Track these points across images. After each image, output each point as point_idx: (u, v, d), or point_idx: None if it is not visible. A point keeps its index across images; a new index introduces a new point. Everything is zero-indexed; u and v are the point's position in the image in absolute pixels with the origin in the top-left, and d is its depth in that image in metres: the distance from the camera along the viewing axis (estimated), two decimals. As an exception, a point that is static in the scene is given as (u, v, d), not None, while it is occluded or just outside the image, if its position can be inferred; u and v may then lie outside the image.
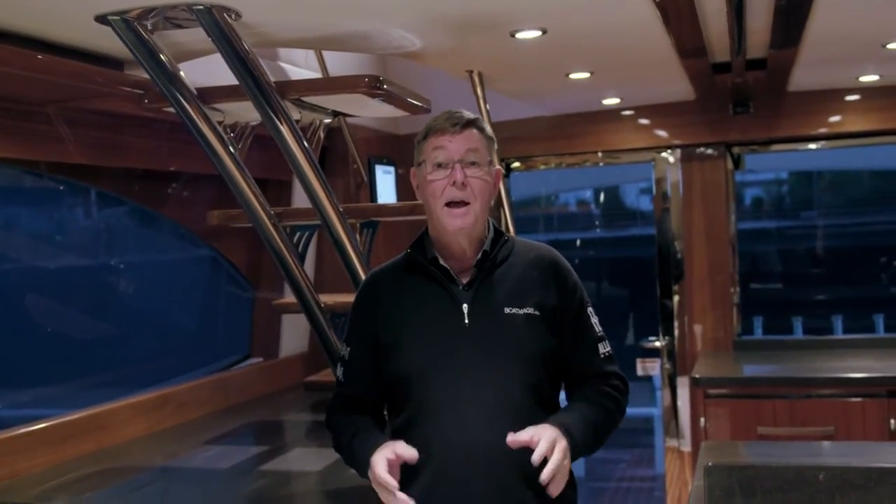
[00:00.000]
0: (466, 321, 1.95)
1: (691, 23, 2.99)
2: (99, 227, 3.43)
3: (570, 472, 2.05)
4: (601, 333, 2.07)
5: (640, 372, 4.91)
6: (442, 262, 2.01)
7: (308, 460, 2.83)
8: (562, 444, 1.84)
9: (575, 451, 1.89)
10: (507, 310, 1.97)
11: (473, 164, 1.95)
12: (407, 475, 1.93)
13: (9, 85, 2.52)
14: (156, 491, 2.48)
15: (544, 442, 1.81)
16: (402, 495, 1.81)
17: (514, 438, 1.82)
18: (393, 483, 1.81)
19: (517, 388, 1.94)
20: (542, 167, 5.30)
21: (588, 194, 8.46)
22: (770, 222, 7.95)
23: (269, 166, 3.43)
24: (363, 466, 1.91)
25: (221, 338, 4.04)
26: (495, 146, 2.04)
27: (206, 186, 3.59)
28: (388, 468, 1.83)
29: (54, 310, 3.20)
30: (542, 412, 1.96)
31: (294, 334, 4.07)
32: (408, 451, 1.86)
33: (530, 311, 1.97)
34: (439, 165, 1.95)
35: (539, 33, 2.80)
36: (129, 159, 3.15)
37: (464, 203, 1.95)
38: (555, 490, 1.85)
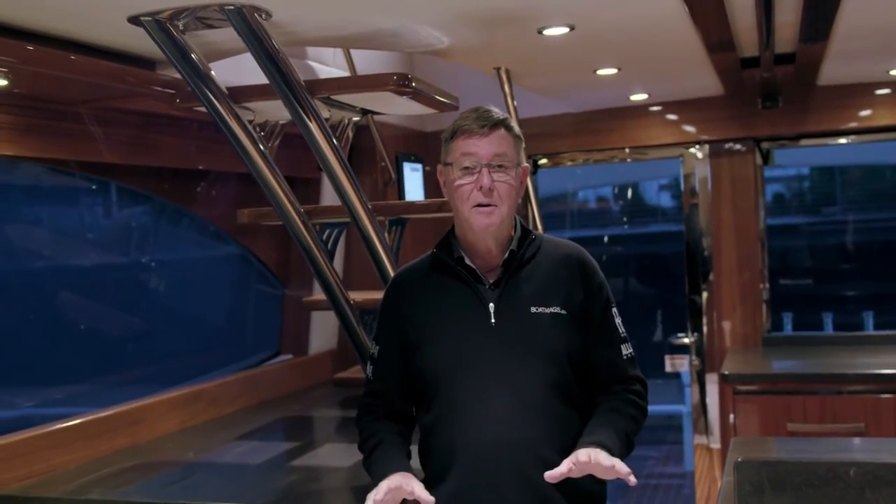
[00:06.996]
0: (493, 320, 1.96)
1: (719, 17, 2.98)
2: (130, 225, 3.47)
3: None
4: (624, 335, 2.06)
5: (668, 368, 4.89)
6: (468, 261, 2.01)
7: (338, 456, 2.85)
8: (595, 453, 1.82)
9: None
10: (533, 309, 1.97)
11: (500, 167, 1.95)
12: (435, 475, 1.95)
13: (43, 85, 2.56)
14: (189, 485, 2.50)
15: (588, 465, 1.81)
16: None
17: (554, 474, 1.81)
18: None
19: (543, 386, 1.93)
20: (570, 164, 5.29)
21: (607, 191, 8.42)
22: (793, 218, 7.88)
23: (295, 164, 3.46)
24: (375, 480, 1.91)
25: (251, 335, 4.07)
26: (523, 144, 2.04)
27: (234, 184, 3.62)
28: (386, 494, 1.83)
29: (87, 308, 3.24)
30: (568, 410, 1.96)
31: (323, 331, 4.09)
32: (424, 495, 1.82)
33: (556, 309, 1.97)
34: (466, 169, 1.95)
35: (567, 30, 2.80)
36: (159, 158, 3.18)
37: (490, 204, 1.95)
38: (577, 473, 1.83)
